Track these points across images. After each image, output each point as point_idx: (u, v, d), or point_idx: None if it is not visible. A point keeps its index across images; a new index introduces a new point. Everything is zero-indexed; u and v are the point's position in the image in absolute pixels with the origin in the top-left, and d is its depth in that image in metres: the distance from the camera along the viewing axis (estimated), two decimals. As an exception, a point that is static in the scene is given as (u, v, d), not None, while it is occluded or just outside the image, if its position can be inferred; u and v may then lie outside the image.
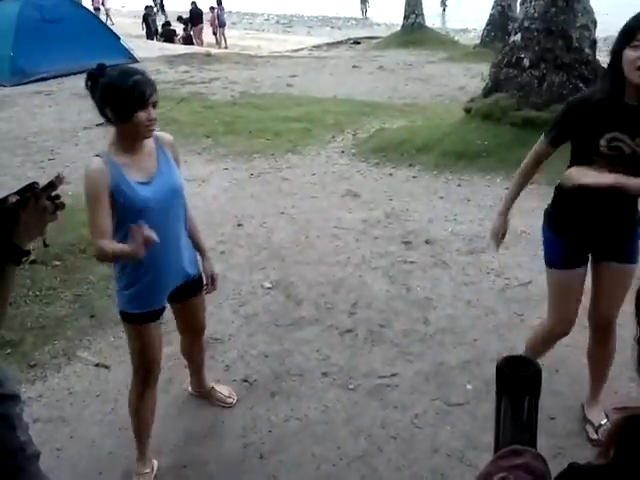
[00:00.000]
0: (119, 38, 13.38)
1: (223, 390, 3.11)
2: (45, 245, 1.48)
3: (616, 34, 2.34)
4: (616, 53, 2.24)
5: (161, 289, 2.47)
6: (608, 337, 2.75)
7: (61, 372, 3.35)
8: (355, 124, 8.26)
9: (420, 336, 3.57)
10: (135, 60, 12.86)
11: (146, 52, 14.22)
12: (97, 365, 3.41)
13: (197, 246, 2.66)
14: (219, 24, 22.44)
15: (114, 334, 3.68)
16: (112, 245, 2.19)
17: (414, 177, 6.27)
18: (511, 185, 2.71)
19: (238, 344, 3.57)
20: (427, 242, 4.77)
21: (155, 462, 2.71)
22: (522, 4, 7.43)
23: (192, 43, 20.22)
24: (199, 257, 2.67)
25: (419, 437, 2.83)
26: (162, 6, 27.01)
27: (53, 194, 1.41)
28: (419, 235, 4.90)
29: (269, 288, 4.16)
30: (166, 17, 24.42)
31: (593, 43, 7.07)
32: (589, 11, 7.03)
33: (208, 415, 3.00)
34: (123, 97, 2.14)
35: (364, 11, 32.94)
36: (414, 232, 4.94)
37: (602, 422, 2.79)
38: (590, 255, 2.63)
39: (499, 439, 1.13)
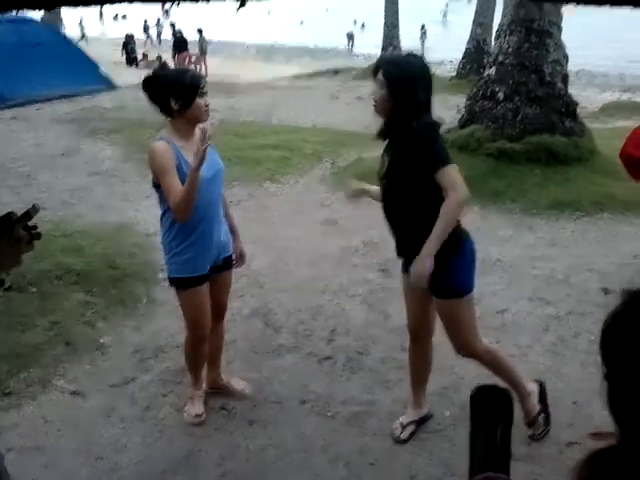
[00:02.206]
0: (97, 65, 13.38)
1: (238, 384, 3.32)
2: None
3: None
4: None
5: (206, 256, 2.84)
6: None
7: (36, 400, 3.30)
8: (334, 153, 8.34)
9: (398, 363, 3.58)
10: (114, 87, 12.82)
11: (125, 79, 14.24)
12: (73, 393, 3.36)
13: (230, 226, 3.07)
14: (200, 52, 22.61)
15: (90, 362, 3.65)
16: (185, 184, 2.55)
17: (392, 206, 6.33)
18: None
19: (216, 372, 3.55)
20: (405, 270, 4.81)
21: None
22: (497, 39, 7.66)
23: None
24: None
25: (397, 464, 2.84)
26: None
27: (30, 224, 1.41)
28: (397, 263, 4.90)
29: (248, 315, 4.16)
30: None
31: (565, 77, 7.30)
32: (561, 46, 7.27)
33: (186, 443, 2.97)
34: (184, 88, 2.67)
35: (351, 46, 33.63)
36: (392, 260, 4.94)
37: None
38: None
39: (473, 466, 1.15)
